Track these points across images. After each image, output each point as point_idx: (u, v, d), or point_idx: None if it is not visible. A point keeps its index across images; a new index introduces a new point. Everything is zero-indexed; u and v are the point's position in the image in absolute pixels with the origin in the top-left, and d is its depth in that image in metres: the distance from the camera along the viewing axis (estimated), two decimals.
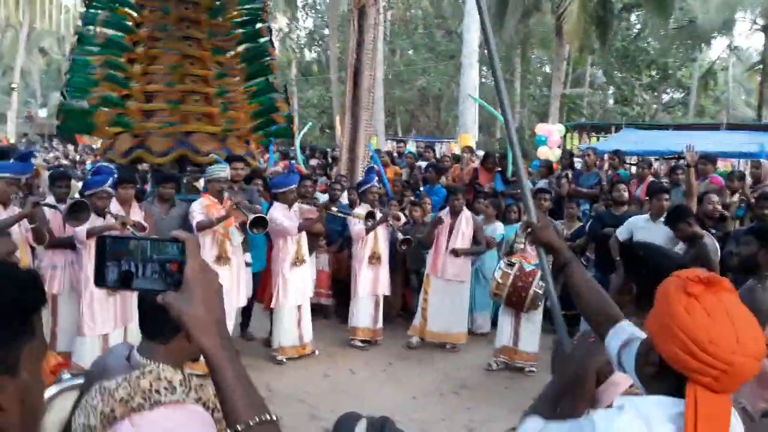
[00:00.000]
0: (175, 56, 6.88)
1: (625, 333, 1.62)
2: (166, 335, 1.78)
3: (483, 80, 28.00)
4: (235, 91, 7.32)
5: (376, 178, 7.31)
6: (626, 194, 6.50)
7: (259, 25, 7.52)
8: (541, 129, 14.53)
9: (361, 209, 6.61)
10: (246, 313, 6.81)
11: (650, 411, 1.27)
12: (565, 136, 14.97)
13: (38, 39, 37.60)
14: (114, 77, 6.96)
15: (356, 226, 6.57)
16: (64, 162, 14.50)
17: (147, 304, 1.83)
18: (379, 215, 6.71)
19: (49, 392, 1.93)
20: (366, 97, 9.05)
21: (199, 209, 5.65)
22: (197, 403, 1.79)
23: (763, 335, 1.29)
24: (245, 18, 7.54)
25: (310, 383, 5.74)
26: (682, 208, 5.14)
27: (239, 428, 0.96)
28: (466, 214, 6.68)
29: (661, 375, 1.32)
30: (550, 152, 12.51)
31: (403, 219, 7.67)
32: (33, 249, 5.32)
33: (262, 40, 7.64)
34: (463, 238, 6.58)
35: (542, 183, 8.33)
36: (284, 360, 6.15)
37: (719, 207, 5.81)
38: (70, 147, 23.15)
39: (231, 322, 5.79)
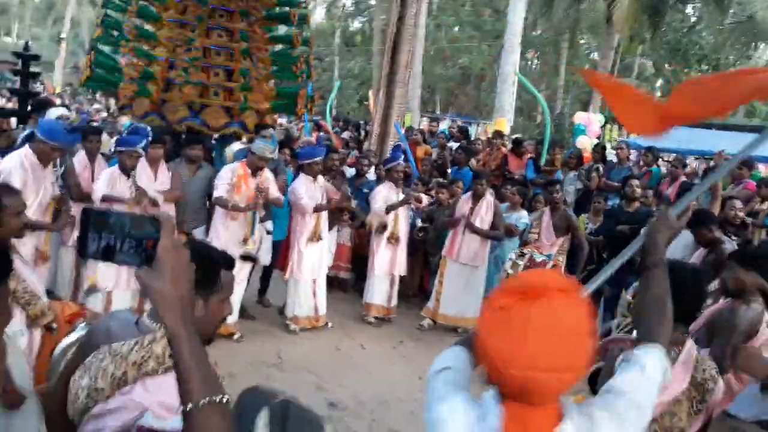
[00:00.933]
0: (202, 27, 6.86)
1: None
2: None
3: (528, 63, 27.63)
4: (259, 69, 7.26)
5: (403, 156, 7.27)
6: (639, 190, 6.39)
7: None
8: (580, 118, 14.22)
9: (380, 203, 6.59)
10: (265, 280, 6.92)
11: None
12: (604, 126, 14.64)
13: None
14: (140, 50, 6.96)
15: (376, 204, 6.57)
16: (104, 115, 14.74)
17: None
18: (401, 196, 6.71)
19: (66, 341, 1.99)
20: (402, 73, 8.98)
21: (227, 179, 5.64)
22: None
23: (581, 349, 1.25)
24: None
25: (320, 354, 5.83)
26: (705, 212, 5.02)
27: (188, 407, 0.99)
28: (488, 199, 6.62)
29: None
30: (588, 142, 12.24)
31: (426, 200, 7.67)
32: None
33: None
34: (482, 223, 6.53)
35: (571, 174, 8.20)
36: (297, 329, 6.24)
37: (741, 213, 5.64)
38: (112, 101, 23.52)
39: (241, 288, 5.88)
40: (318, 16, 36.31)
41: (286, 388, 1.12)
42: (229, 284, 1.94)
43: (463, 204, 6.67)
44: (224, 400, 1.04)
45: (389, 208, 6.55)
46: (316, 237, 6.21)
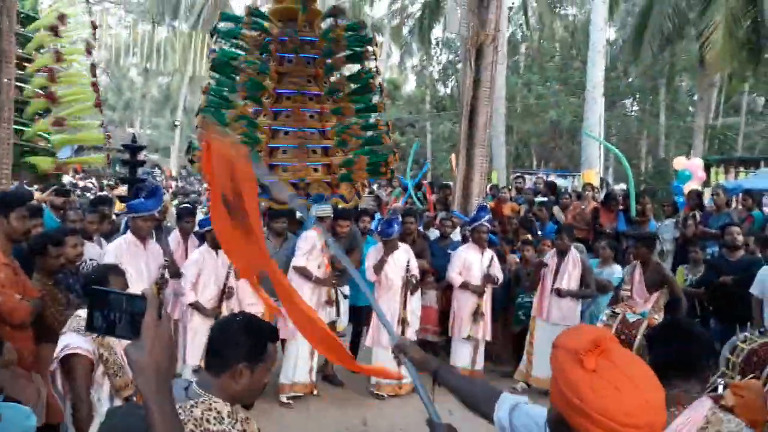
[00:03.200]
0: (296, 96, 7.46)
1: (509, 400, 1.83)
2: (218, 369, 1.93)
3: (627, 111, 26.90)
4: (350, 134, 7.69)
5: (489, 215, 7.23)
6: (740, 237, 5.94)
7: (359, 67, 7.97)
8: (679, 164, 13.59)
9: (457, 266, 6.68)
10: (354, 345, 7.00)
11: None
12: (708, 170, 13.89)
13: (200, 80, 41.65)
14: (247, 117, 7.60)
15: (452, 272, 6.58)
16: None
17: (211, 337, 2.01)
18: (485, 257, 6.68)
19: None
20: (482, 134, 9.04)
21: (305, 249, 5.96)
22: None
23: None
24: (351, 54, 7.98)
25: (406, 419, 5.75)
26: None
27: None
28: (573, 254, 6.42)
29: None
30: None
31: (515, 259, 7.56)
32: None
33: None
34: (569, 280, 6.32)
35: (668, 222, 7.79)
36: (385, 395, 6.22)
37: None
38: None
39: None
40: (409, 85, 37.57)
41: None
42: (273, 355, 2.04)
43: (548, 261, 6.51)
44: None
45: (474, 289, 6.60)
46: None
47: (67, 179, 16.03)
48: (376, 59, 8.10)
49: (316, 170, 7.37)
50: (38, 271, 4.04)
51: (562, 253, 6.42)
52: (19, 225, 3.61)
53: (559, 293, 6.28)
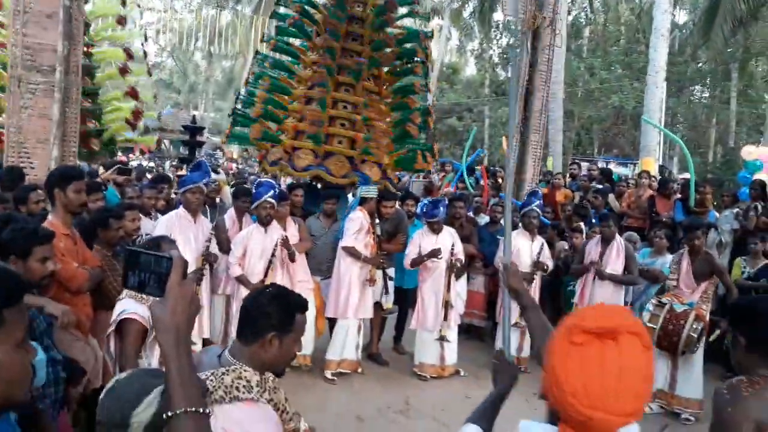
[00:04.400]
0: (330, 81, 7.43)
1: None
2: (249, 338, 2.03)
3: (697, 97, 25.73)
4: (380, 121, 7.61)
5: (540, 201, 7.15)
6: None
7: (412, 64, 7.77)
8: (747, 153, 12.96)
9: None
10: (399, 327, 7.09)
11: None
12: None
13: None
14: (273, 101, 7.63)
15: (499, 254, 6.55)
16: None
17: (243, 307, 2.11)
18: (536, 243, 6.63)
19: None
20: (536, 119, 8.92)
21: (354, 229, 6.06)
22: (269, 403, 2.07)
23: (646, 394, 1.28)
24: (403, 52, 7.78)
25: (448, 402, 5.80)
26: None
27: (169, 414, 1.17)
28: (618, 241, 6.30)
29: (551, 407, 1.38)
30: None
31: (564, 245, 7.46)
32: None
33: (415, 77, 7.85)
34: (613, 267, 6.22)
35: (727, 213, 7.51)
36: (427, 376, 6.29)
37: None
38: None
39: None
40: (469, 69, 37.12)
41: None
42: (302, 325, 2.12)
43: (592, 249, 6.40)
44: (200, 411, 1.21)
45: (523, 275, 6.53)
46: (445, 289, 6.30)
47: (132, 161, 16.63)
48: (427, 69, 7.89)
49: (340, 142, 7.31)
50: (99, 243, 4.28)
51: (606, 241, 6.31)
52: (76, 198, 3.77)
53: (600, 275, 6.17)
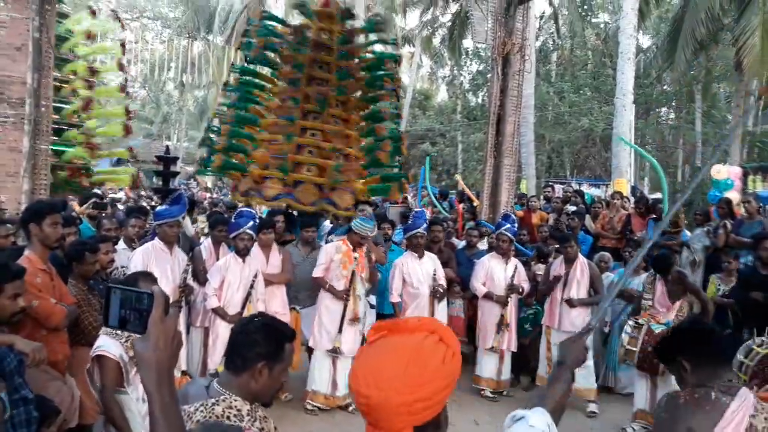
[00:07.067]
0: (296, 110, 7.34)
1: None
2: (238, 368, 2.02)
3: (663, 118, 26.39)
4: (350, 147, 7.48)
5: (511, 225, 7.15)
6: None
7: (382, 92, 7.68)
8: (717, 171, 13.29)
9: (481, 275, 6.66)
10: None
11: None
12: (745, 178, 13.54)
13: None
14: (239, 132, 7.43)
15: (475, 281, 6.59)
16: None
17: (231, 337, 2.10)
18: (509, 266, 6.66)
19: None
20: (509, 143, 9.04)
21: (322, 261, 5.97)
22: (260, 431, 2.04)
23: (425, 383, 1.30)
24: (372, 78, 7.68)
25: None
26: None
27: None
28: (581, 261, 6.40)
29: None
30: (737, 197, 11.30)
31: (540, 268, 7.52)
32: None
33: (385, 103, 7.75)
34: (578, 287, 6.31)
35: (698, 231, 7.67)
36: None
37: None
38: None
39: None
40: (441, 95, 37.59)
41: None
42: (290, 355, 2.12)
43: (556, 269, 6.49)
44: None
45: (497, 299, 6.60)
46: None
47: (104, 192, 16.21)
48: (398, 97, 7.81)
49: (309, 170, 7.13)
50: (74, 277, 4.20)
51: (569, 261, 6.38)
52: (52, 232, 3.72)
53: (570, 303, 6.24)
